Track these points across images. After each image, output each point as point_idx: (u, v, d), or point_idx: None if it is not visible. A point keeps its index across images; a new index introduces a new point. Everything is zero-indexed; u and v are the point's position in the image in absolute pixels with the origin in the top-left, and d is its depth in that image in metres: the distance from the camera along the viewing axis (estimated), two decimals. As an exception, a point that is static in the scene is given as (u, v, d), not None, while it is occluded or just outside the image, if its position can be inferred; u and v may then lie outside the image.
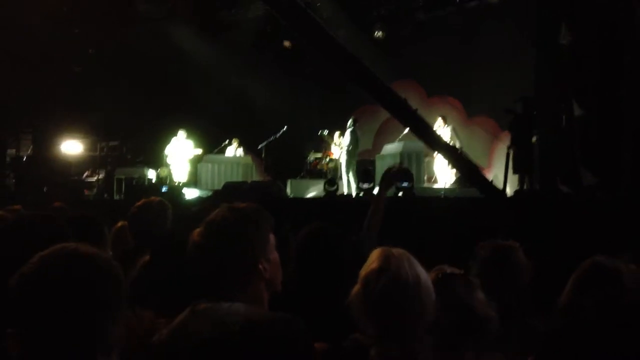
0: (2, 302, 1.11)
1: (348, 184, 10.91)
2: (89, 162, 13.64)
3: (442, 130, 10.49)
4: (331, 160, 12.20)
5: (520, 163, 8.70)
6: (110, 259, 1.20)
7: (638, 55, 6.11)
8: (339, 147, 11.48)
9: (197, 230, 1.60)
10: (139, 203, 3.06)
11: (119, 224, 4.32)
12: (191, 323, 1.45)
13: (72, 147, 13.62)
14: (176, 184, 11.58)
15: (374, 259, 1.73)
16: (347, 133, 11.05)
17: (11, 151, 13.28)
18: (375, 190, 10.02)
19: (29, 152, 13.26)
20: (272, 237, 1.66)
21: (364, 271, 1.73)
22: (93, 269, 1.14)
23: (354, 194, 10.28)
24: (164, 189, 10.78)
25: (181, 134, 11.73)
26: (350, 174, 10.96)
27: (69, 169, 13.19)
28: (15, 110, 12.25)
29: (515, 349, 1.99)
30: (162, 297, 1.82)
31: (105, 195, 11.77)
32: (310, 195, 11.32)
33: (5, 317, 1.10)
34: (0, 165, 12.64)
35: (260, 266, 1.57)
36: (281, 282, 1.69)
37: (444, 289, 1.89)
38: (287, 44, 13.79)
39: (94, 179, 13.02)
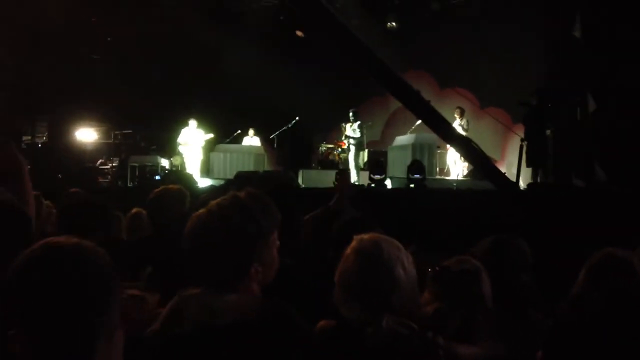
0: None
1: (357, 176, 10.93)
2: (103, 150, 13.75)
3: (458, 122, 10.46)
4: (343, 150, 12.20)
5: (533, 156, 8.65)
6: (94, 247, 1.17)
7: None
8: (347, 139, 11.50)
9: (197, 214, 1.55)
10: (157, 190, 3.09)
11: (134, 210, 4.38)
12: (180, 312, 1.44)
13: (86, 134, 13.74)
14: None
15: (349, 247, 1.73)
16: (355, 126, 11.09)
17: (27, 138, 13.40)
18: (387, 182, 10.04)
19: (44, 139, 13.39)
20: (274, 236, 1.60)
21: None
22: (78, 261, 1.13)
23: (364, 184, 10.28)
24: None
25: (192, 123, 11.71)
26: (359, 165, 11.09)
27: (84, 157, 13.32)
28: (31, 98, 12.35)
29: (518, 341, 1.99)
30: (168, 281, 1.81)
31: (119, 183, 11.87)
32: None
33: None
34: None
35: (252, 269, 1.52)
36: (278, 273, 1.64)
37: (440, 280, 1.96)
38: (299, 33, 13.76)
39: (108, 166, 13.14)
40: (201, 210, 1.55)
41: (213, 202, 1.56)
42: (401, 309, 1.61)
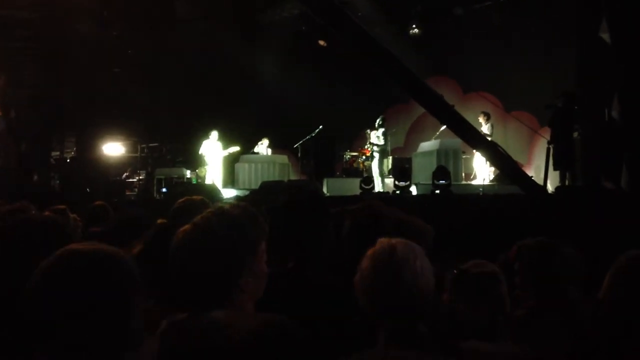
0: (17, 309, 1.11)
1: (382, 183, 10.89)
2: (130, 163, 13.97)
3: (484, 127, 10.37)
4: (367, 158, 12.18)
5: (561, 159, 8.51)
6: (117, 253, 1.17)
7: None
8: (370, 146, 11.46)
9: (183, 229, 1.52)
10: (180, 201, 3.09)
11: (159, 221, 4.44)
12: (170, 340, 1.42)
13: (113, 148, 13.98)
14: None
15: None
16: (380, 133, 11.04)
17: (55, 153, 13.68)
18: (412, 188, 9.95)
19: (72, 154, 13.66)
20: (262, 247, 1.56)
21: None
22: (97, 267, 1.13)
23: (388, 191, 10.25)
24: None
25: (213, 134, 11.67)
26: (383, 172, 11.05)
27: (111, 170, 13.53)
28: (59, 113, 12.60)
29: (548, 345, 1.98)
30: (159, 289, 1.79)
31: (146, 195, 12.02)
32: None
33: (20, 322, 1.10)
34: (45, 167, 13.01)
35: (241, 281, 1.48)
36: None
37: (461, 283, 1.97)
38: (322, 42, 13.83)
39: (135, 179, 13.34)
40: (186, 225, 1.52)
41: (198, 216, 1.53)
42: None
